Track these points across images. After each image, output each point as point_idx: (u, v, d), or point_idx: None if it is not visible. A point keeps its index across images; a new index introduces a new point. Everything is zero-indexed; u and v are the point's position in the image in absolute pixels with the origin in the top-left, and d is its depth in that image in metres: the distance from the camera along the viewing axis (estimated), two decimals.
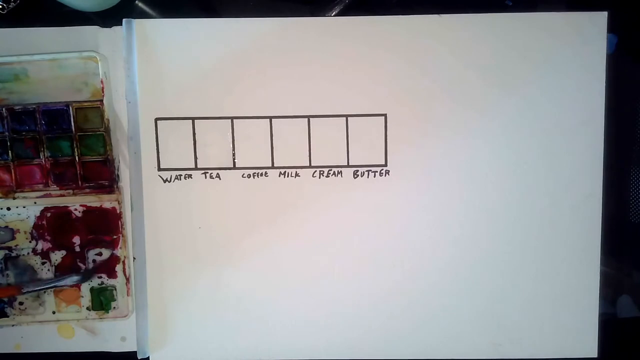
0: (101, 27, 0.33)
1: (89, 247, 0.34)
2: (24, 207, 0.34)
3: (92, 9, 0.33)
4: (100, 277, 0.34)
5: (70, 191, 0.34)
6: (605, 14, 0.33)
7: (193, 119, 0.33)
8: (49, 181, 0.34)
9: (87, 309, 0.35)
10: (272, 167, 0.34)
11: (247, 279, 0.34)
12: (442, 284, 0.34)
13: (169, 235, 0.34)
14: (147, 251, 0.34)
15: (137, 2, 0.34)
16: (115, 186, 0.34)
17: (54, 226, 0.34)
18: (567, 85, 0.33)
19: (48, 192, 0.34)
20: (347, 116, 0.33)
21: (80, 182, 0.34)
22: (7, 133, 0.33)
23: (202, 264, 0.34)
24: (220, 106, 0.33)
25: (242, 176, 0.34)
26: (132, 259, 0.34)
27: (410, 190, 0.34)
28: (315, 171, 0.34)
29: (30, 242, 0.34)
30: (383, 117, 0.33)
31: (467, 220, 0.34)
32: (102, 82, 0.33)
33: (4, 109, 0.33)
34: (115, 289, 0.34)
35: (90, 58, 0.33)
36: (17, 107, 0.33)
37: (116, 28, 0.33)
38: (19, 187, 0.34)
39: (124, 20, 0.33)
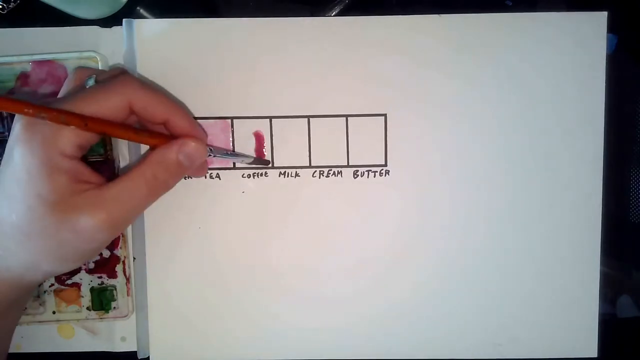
0: (101, 27, 0.34)
1: None
2: None
3: (95, 18, 0.33)
4: (100, 277, 0.34)
5: None
6: (605, 14, 0.33)
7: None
8: None
9: (87, 309, 0.35)
10: (272, 167, 0.34)
11: (246, 278, 0.34)
12: (442, 283, 0.34)
13: (169, 235, 0.34)
14: (147, 251, 0.34)
15: (138, 8, 0.34)
16: None
17: None
18: (567, 85, 0.33)
19: None
20: (347, 116, 0.33)
21: None
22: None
23: (201, 264, 0.34)
24: (220, 106, 0.33)
25: (242, 176, 0.34)
26: (132, 259, 0.34)
27: (410, 190, 0.34)
28: (315, 171, 0.34)
29: None
30: (383, 117, 0.33)
31: (466, 220, 0.34)
32: None
33: None
34: (115, 289, 0.34)
35: (90, 58, 0.33)
36: None
37: (116, 28, 0.33)
38: None
39: (124, 20, 0.33)
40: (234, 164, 0.33)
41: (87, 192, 0.26)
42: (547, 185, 0.33)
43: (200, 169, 0.32)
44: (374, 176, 0.34)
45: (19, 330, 0.35)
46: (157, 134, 0.29)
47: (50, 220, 0.26)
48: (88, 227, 0.26)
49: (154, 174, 0.28)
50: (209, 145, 0.31)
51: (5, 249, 0.27)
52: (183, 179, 0.33)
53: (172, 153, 0.28)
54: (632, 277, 0.37)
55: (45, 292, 0.34)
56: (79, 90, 0.27)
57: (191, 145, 0.28)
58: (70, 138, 0.26)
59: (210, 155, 0.30)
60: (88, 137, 0.27)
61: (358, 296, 0.34)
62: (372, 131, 0.33)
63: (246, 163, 0.33)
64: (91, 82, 0.28)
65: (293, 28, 0.33)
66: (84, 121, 0.26)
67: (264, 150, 0.33)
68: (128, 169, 0.29)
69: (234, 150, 0.33)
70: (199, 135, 0.30)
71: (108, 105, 0.27)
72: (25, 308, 0.34)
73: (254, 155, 0.33)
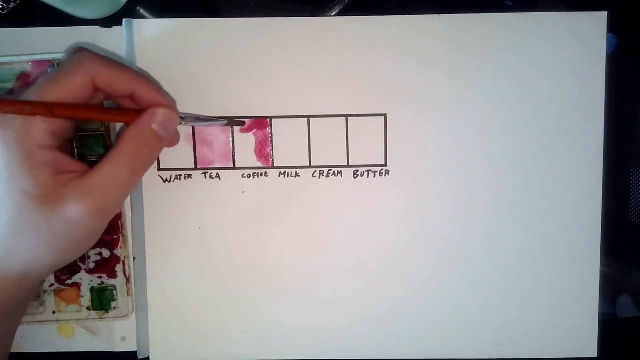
0: (101, 27, 0.33)
1: None
2: None
3: (95, 18, 0.33)
4: (100, 277, 0.34)
5: None
6: (605, 14, 0.33)
7: None
8: None
9: (87, 309, 0.35)
10: (272, 167, 0.34)
11: (246, 278, 0.34)
12: (442, 283, 0.34)
13: (169, 235, 0.34)
14: (147, 251, 0.34)
15: (138, 8, 0.34)
16: None
17: None
18: (567, 85, 0.33)
19: None
20: (347, 116, 0.33)
21: None
22: None
23: (201, 264, 0.34)
24: (220, 106, 0.33)
25: (242, 176, 0.34)
26: (132, 259, 0.34)
27: (410, 190, 0.34)
28: (315, 171, 0.34)
29: None
30: (383, 117, 0.33)
31: (466, 220, 0.34)
32: None
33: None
34: (115, 289, 0.34)
35: None
36: None
37: (116, 28, 0.33)
38: None
39: (124, 20, 0.33)
40: (234, 164, 0.33)
41: (71, 182, 0.26)
42: (547, 185, 0.33)
43: (173, 139, 0.32)
44: (374, 176, 0.34)
45: (19, 330, 0.35)
46: (127, 110, 0.29)
47: (41, 214, 0.26)
48: (78, 216, 0.26)
49: (133, 151, 0.27)
50: (180, 113, 0.30)
51: (2, 249, 0.27)
52: (183, 179, 0.33)
53: (146, 126, 0.28)
54: (632, 277, 0.37)
55: (45, 292, 0.34)
56: (42, 76, 0.27)
57: (161, 113, 0.28)
58: (42, 127, 0.26)
59: (181, 123, 0.30)
60: (60, 124, 0.27)
61: (358, 296, 0.34)
62: (372, 131, 0.33)
63: (221, 125, 0.33)
64: (54, 67, 0.27)
65: (293, 28, 0.33)
66: (49, 109, 0.25)
67: (268, 149, 0.33)
68: (108, 151, 0.29)
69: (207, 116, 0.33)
70: (167, 103, 0.29)
71: (70, 86, 0.26)
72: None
73: (226, 117, 0.33)
